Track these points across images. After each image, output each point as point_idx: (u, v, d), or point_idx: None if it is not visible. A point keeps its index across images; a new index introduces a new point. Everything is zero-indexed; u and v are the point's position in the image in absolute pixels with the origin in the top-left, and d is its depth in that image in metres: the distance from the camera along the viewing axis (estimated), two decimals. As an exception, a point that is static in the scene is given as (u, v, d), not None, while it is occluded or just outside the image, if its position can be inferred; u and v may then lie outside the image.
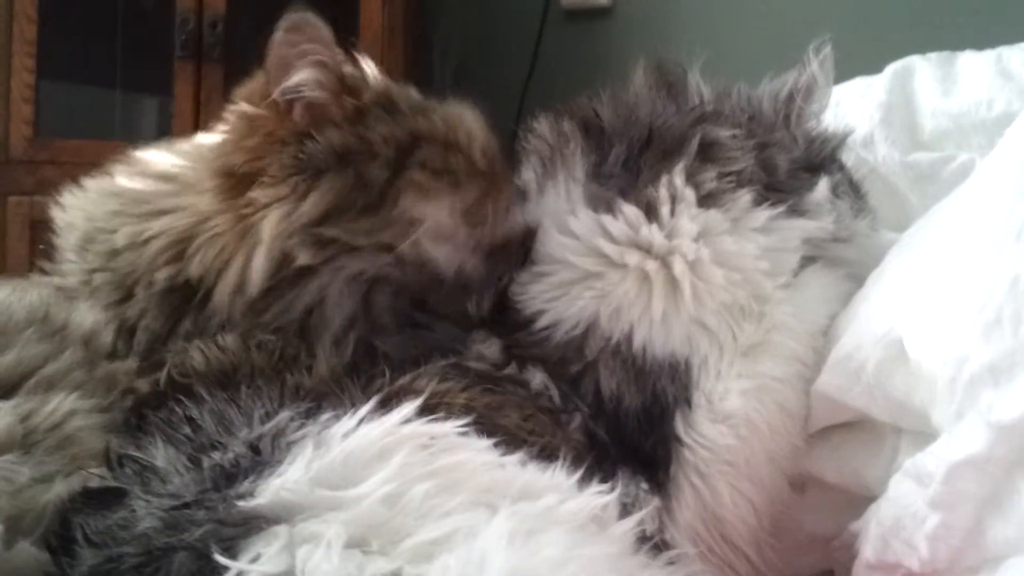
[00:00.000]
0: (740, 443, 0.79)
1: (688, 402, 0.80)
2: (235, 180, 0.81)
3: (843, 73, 1.16)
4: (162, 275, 0.80)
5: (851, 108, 1.13)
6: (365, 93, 0.84)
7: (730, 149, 0.86)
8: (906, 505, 0.67)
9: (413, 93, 0.89)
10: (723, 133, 0.86)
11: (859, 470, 0.79)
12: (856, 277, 0.86)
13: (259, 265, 0.78)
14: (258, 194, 0.80)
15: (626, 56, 0.96)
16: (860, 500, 0.77)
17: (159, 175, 0.86)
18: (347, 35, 0.96)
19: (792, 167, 0.88)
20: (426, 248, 0.83)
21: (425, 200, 0.83)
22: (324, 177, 0.80)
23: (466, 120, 0.88)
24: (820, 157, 0.91)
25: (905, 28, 1.73)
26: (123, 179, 0.86)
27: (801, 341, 0.83)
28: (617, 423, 0.79)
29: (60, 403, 0.69)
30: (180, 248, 0.80)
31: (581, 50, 2.13)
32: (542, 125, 0.94)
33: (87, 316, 0.78)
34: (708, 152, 0.85)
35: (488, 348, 0.82)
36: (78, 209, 0.86)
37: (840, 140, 0.95)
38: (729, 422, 0.79)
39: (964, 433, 0.62)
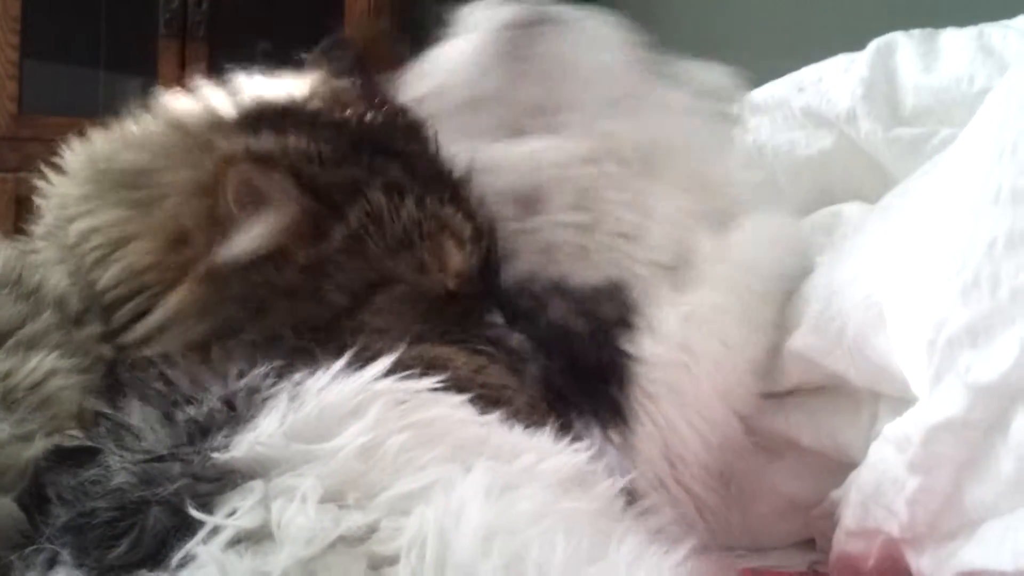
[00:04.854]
0: (683, 370, 0.80)
1: (629, 323, 0.81)
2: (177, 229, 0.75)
3: (827, 50, 1.17)
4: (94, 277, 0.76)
5: (834, 84, 1.13)
6: (333, 235, 0.76)
7: None
8: (885, 470, 0.67)
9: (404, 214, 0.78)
10: None
11: (835, 434, 0.80)
12: None
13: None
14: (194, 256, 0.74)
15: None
16: (837, 465, 0.77)
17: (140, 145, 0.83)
18: (331, 18, 0.94)
19: None
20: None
21: (369, 333, 0.76)
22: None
23: (449, 250, 0.80)
24: None
25: (888, 6, 1.73)
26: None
27: (738, 269, 0.84)
28: (571, 351, 0.80)
29: (40, 362, 0.68)
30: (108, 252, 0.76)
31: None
32: None
33: (59, 279, 0.77)
34: None
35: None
36: (55, 195, 0.82)
37: None
38: (668, 343, 0.80)
39: (942, 396, 0.62)
